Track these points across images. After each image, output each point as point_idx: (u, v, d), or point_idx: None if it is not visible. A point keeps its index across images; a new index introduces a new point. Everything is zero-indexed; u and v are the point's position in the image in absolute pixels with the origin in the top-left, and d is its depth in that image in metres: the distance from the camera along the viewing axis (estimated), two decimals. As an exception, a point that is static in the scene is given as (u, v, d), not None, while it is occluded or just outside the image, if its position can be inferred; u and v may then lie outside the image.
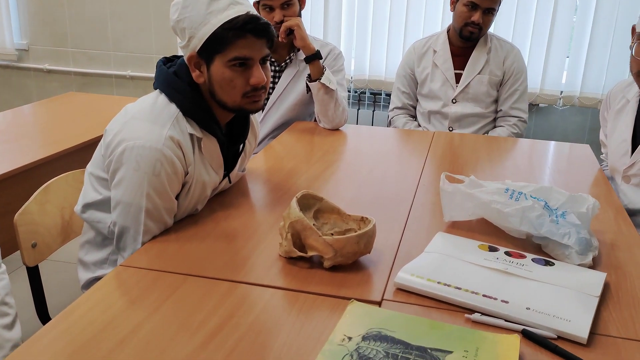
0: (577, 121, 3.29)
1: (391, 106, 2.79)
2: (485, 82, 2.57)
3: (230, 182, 1.60)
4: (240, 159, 1.59)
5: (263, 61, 1.39)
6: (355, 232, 1.25)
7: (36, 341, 0.95)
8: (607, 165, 1.97)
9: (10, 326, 1.24)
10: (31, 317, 1.51)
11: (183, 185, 1.39)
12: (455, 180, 1.49)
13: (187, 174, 1.38)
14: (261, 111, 2.42)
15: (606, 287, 1.17)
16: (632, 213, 1.75)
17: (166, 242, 1.32)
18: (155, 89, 1.42)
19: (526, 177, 1.86)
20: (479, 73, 2.57)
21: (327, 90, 2.23)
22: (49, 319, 1.47)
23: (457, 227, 1.44)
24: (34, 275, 1.47)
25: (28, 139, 2.30)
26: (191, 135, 1.38)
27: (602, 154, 2.08)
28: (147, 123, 1.33)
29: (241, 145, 1.56)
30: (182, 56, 1.43)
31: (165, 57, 1.48)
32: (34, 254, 1.46)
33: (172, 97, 1.37)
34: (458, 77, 2.60)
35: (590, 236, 1.29)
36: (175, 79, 1.39)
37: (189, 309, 1.05)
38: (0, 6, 3.90)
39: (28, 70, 4.07)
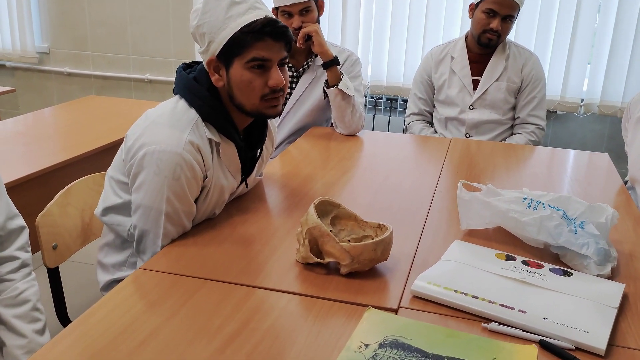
0: (595, 129, 3.27)
1: (408, 112, 2.79)
2: (503, 89, 2.57)
3: (247, 187, 1.61)
4: (257, 164, 1.60)
5: (281, 64, 1.40)
6: (372, 239, 1.25)
7: (57, 343, 0.97)
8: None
9: (42, 331, 1.28)
10: (50, 317, 1.54)
11: (202, 190, 1.40)
12: (472, 188, 1.48)
13: (206, 178, 1.40)
14: (278, 116, 2.43)
15: (625, 298, 1.16)
16: None
17: (185, 246, 1.33)
18: (176, 95, 1.44)
19: (544, 185, 1.85)
20: (496, 80, 2.56)
21: (345, 96, 2.24)
22: (68, 319, 1.50)
23: (474, 236, 1.43)
24: (54, 276, 1.49)
25: (49, 142, 2.34)
26: (210, 140, 1.39)
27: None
28: (167, 128, 1.34)
29: (258, 151, 1.57)
30: (201, 62, 1.44)
31: (185, 63, 1.50)
32: (55, 255, 1.48)
33: (191, 103, 1.39)
34: (475, 84, 2.59)
35: (609, 247, 1.28)
36: (195, 85, 1.40)
37: (206, 313, 1.06)
38: (22, 10, 3.97)
39: (49, 73, 4.13)
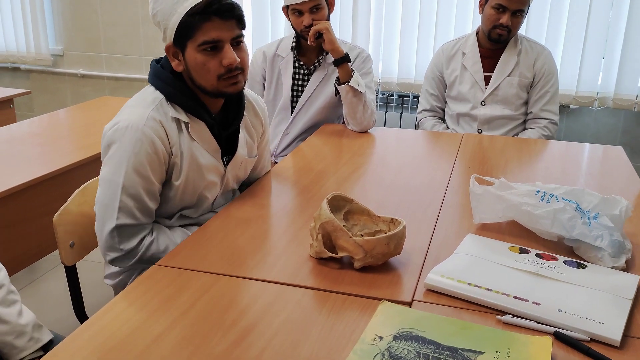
0: (610, 123, 3.24)
1: (419, 108, 2.78)
2: (515, 84, 2.55)
3: (243, 170, 1.64)
4: (246, 143, 1.61)
5: (236, 43, 1.43)
6: (385, 233, 1.26)
7: (75, 339, 0.98)
8: None
9: (20, 313, 1.25)
10: (68, 314, 1.56)
11: (173, 167, 1.43)
12: (485, 182, 1.48)
13: (173, 154, 1.43)
14: (290, 113, 2.45)
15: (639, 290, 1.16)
16: None
17: (200, 241, 1.35)
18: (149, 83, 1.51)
19: (557, 179, 1.84)
20: (508, 75, 2.55)
21: (356, 93, 2.24)
22: (86, 316, 1.52)
23: (487, 229, 1.43)
24: (71, 274, 1.51)
25: (64, 142, 2.36)
26: (177, 119, 1.44)
27: None
28: (132, 107, 1.43)
29: (237, 128, 1.58)
30: None
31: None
32: (72, 253, 1.50)
33: (157, 86, 1.46)
34: (487, 79, 2.58)
35: (623, 239, 1.28)
36: (161, 70, 1.48)
37: (221, 307, 1.08)
38: (36, 13, 4.02)
39: (63, 75, 4.18)
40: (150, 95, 1.45)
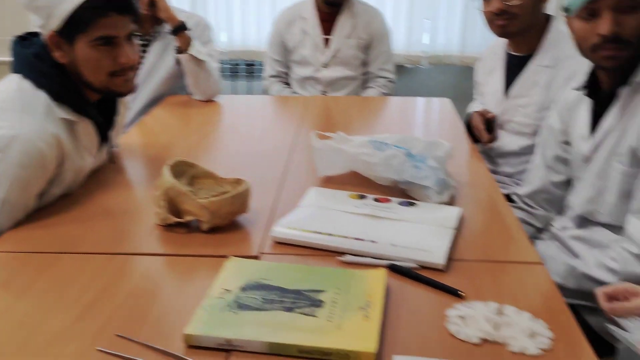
0: (440, 80, 3.50)
1: (265, 74, 2.81)
2: (354, 46, 2.66)
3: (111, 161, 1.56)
4: (114, 137, 1.55)
5: (129, 38, 1.34)
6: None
7: None
8: None
9: None
10: None
11: (55, 178, 1.32)
12: (325, 137, 1.55)
13: (60, 166, 1.32)
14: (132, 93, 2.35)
15: (463, 220, 1.29)
16: (503, 155, 1.92)
17: (34, 226, 1.26)
18: (16, 73, 1.32)
19: (395, 130, 1.95)
20: (346, 37, 2.65)
21: (197, 61, 2.21)
22: None
23: (331, 182, 1.50)
24: None
25: None
26: (65, 121, 1.31)
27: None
28: (18, 113, 1.24)
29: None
30: (38, 33, 1.34)
31: (20, 36, 1.38)
32: None
33: (39, 83, 1.29)
34: (327, 43, 2.67)
35: (447, 177, 1.41)
36: (38, 62, 1.30)
37: (61, 285, 1.03)
38: None
39: None
40: (35, 97, 1.27)
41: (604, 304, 0.99)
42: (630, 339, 0.92)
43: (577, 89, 1.39)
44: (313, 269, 1.06)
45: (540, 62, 1.82)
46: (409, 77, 3.52)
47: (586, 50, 1.26)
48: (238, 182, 1.30)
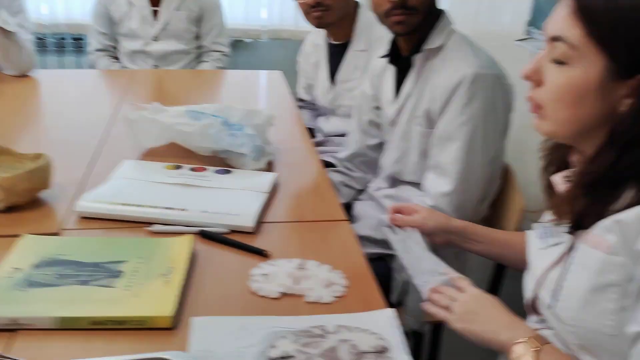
0: (281, 54, 3.54)
1: (91, 49, 2.64)
2: (184, 18, 2.59)
3: None
4: None
5: None
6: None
7: None
8: None
9: None
10: None
11: None
12: (141, 108, 1.50)
13: None
14: None
15: (280, 185, 1.32)
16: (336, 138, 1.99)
17: None
18: None
19: (227, 103, 1.96)
20: (176, 9, 2.57)
21: (5, 33, 2.02)
22: None
23: (150, 154, 1.46)
24: None
25: None
26: None
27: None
28: None
29: None
30: None
31: None
32: None
33: None
34: (156, 15, 2.57)
35: (265, 144, 1.43)
36: None
37: None
38: None
39: None
40: None
41: (389, 215, 1.12)
42: (395, 241, 1.08)
43: (382, 57, 1.48)
44: (116, 240, 1.03)
45: (357, 47, 1.92)
46: (249, 52, 3.52)
47: (381, 16, 1.34)
48: (38, 157, 1.22)
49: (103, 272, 0.93)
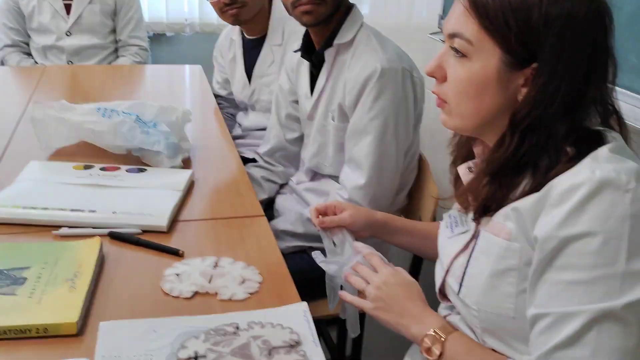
0: (202, 47, 3.47)
1: (0, 44, 2.51)
2: (98, 12, 2.50)
3: None
4: None
5: None
6: None
7: None
8: None
9: None
10: None
11: None
12: (48, 107, 1.43)
13: None
14: None
15: (196, 182, 1.31)
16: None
17: None
18: None
19: (148, 98, 1.89)
20: (89, 3, 2.48)
21: None
22: None
23: (59, 154, 1.41)
24: None
25: None
26: None
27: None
28: None
29: None
30: None
31: None
32: None
33: None
34: (69, 8, 2.47)
35: (180, 141, 1.41)
36: None
37: None
38: None
39: None
40: None
41: (314, 219, 1.07)
42: (327, 266, 1.00)
43: (296, 51, 1.48)
44: (19, 246, 0.99)
45: (272, 41, 1.90)
46: (172, 46, 3.44)
47: (289, 7, 1.34)
48: None
49: (5, 280, 0.89)
